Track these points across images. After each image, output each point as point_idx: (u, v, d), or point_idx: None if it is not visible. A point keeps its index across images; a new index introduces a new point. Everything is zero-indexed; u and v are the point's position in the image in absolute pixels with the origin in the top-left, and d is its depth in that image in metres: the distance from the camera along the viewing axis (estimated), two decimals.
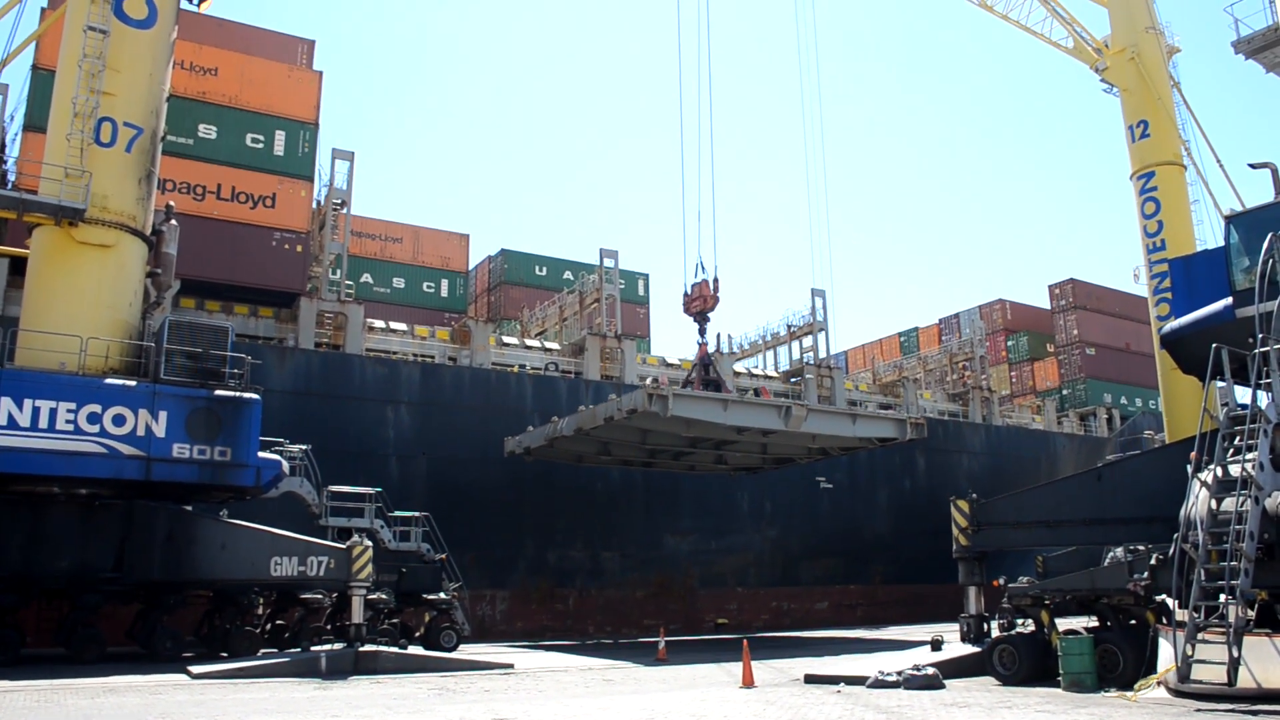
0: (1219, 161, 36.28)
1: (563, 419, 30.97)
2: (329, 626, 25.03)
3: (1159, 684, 14.62)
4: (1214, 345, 15.37)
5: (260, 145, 34.36)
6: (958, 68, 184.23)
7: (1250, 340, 15.58)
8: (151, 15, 24.29)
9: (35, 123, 28.89)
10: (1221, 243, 18.78)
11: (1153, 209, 33.92)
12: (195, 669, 19.19)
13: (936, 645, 21.33)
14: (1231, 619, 13.15)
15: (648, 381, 40.33)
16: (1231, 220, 18.54)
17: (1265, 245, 16.40)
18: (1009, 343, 63.46)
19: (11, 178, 29.35)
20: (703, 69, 45.81)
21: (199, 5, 26.96)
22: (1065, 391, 59.48)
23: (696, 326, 32.13)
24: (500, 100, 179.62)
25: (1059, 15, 37.43)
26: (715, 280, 31.70)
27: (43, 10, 31.23)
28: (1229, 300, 17.72)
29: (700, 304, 31.80)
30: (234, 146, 33.84)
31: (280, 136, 34.74)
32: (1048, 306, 62.10)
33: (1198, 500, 14.87)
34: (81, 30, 22.73)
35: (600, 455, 34.57)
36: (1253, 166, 19.34)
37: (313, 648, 23.15)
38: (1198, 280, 19.74)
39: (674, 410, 27.32)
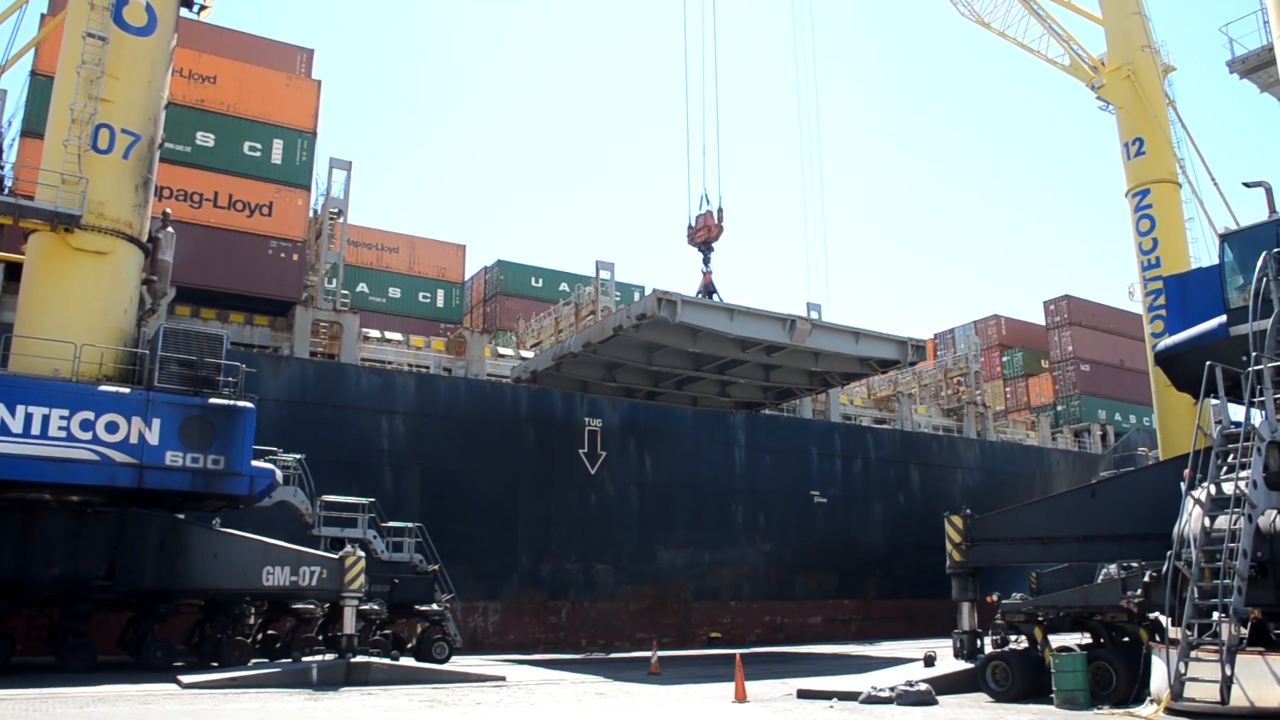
0: (1214, 179, 36.37)
1: (570, 338, 31.41)
2: (320, 637, 24.94)
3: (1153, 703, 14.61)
4: (1208, 363, 15.39)
5: (258, 153, 34.35)
6: (955, 84, 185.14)
7: (1244, 358, 15.60)
8: (151, 23, 24.33)
9: (33, 128, 28.88)
10: (1216, 260, 18.83)
11: (1148, 226, 34.04)
12: (186, 679, 19.10)
13: (930, 661, 21.30)
14: (1225, 637, 13.14)
15: None
16: (1226, 238, 18.59)
17: (1259, 263, 16.44)
18: (1004, 358, 63.59)
19: (8, 183, 29.32)
20: (707, 77, 46.19)
21: (199, 13, 27.01)
22: (1060, 407, 59.59)
23: (701, 256, 32.87)
24: (498, 112, 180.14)
25: (1055, 33, 37.64)
26: (719, 211, 32.41)
27: (42, 16, 31.28)
28: (1223, 318, 17.75)
29: (705, 234, 32.55)
30: (232, 154, 33.82)
31: (278, 145, 34.73)
32: (1042, 322, 62.27)
33: (1191, 518, 14.86)
34: (81, 37, 22.73)
35: (605, 382, 35.01)
36: (1247, 185, 19.41)
37: (304, 658, 23.03)
38: (1192, 298, 19.78)
39: (682, 316, 27.74)
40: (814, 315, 47.20)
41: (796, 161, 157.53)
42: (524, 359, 40.25)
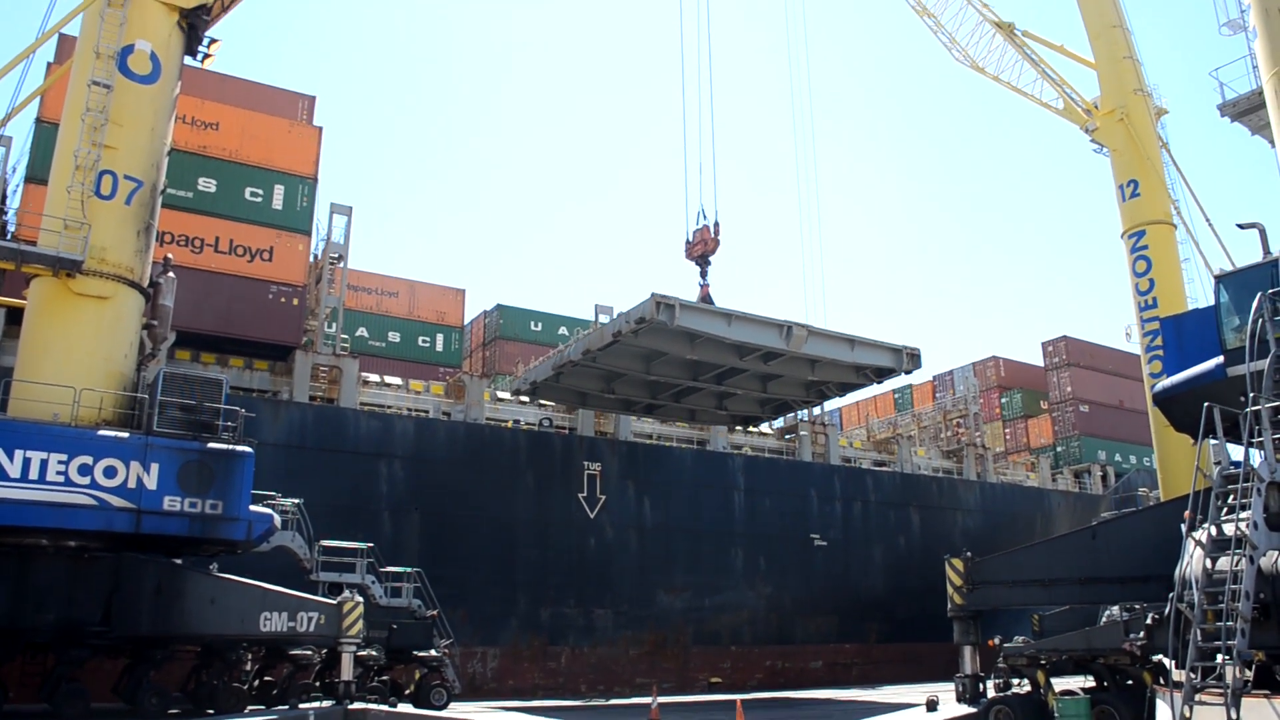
0: (1208, 221, 36.64)
1: (569, 346, 31.78)
2: (318, 683, 24.69)
3: None
4: (1206, 404, 15.42)
5: (259, 199, 34.58)
6: (951, 124, 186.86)
7: (1242, 399, 15.64)
8: (155, 71, 24.61)
9: (37, 174, 29.12)
10: (1212, 301, 18.95)
11: (1144, 267, 34.26)
12: None
13: (932, 706, 21.15)
14: (1229, 680, 13.04)
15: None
16: (1221, 280, 18.73)
17: (1255, 304, 16.54)
18: (1003, 400, 63.60)
19: (11, 228, 29.52)
20: (704, 95, 47.00)
21: (203, 61, 27.32)
22: (1059, 448, 59.50)
23: (698, 270, 33.44)
24: (498, 158, 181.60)
25: (1049, 77, 38.15)
26: (716, 225, 33.12)
27: (49, 65, 31.63)
28: (1220, 359, 17.83)
29: (701, 247, 33.28)
30: (233, 200, 34.04)
31: (279, 191, 34.97)
32: (1041, 364, 62.37)
33: (1192, 559, 14.81)
34: (86, 85, 22.99)
35: (604, 393, 35.20)
36: (1241, 227, 19.60)
37: (301, 705, 22.82)
38: (1189, 339, 19.88)
39: (680, 320, 28.15)
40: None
41: (793, 205, 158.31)
42: (523, 403, 40.29)
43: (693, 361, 32.33)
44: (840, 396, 39.27)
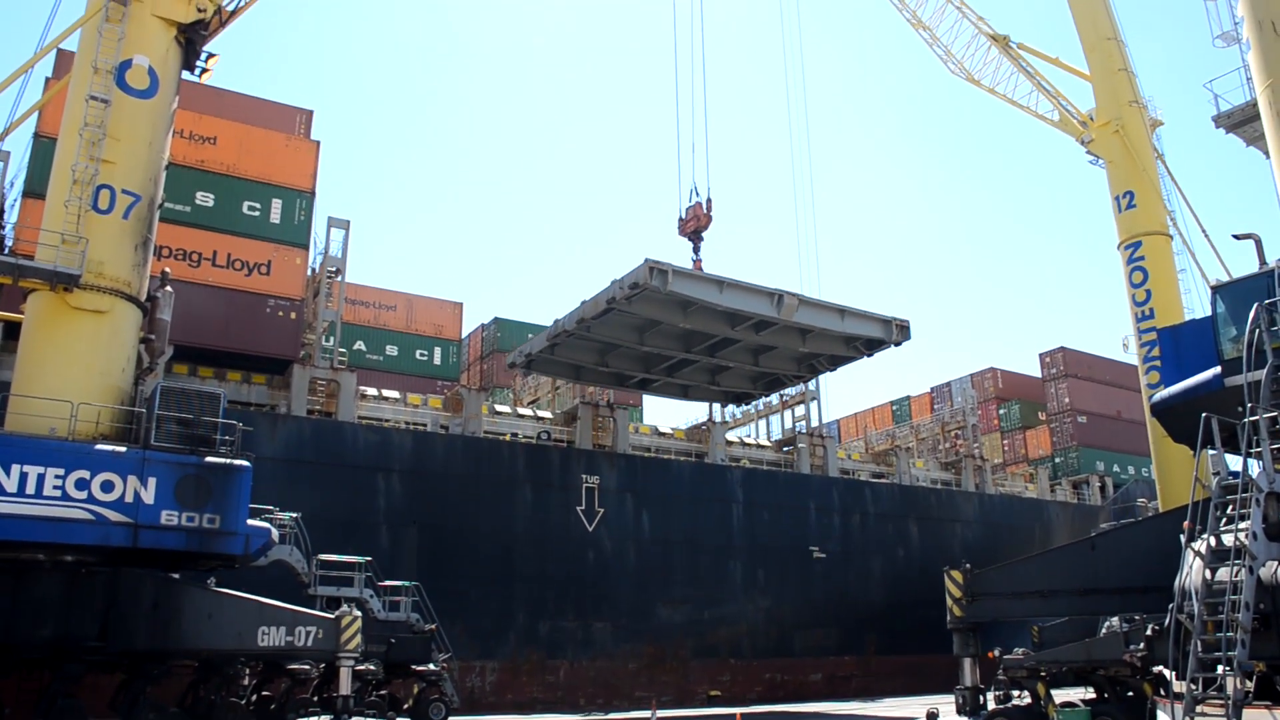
0: (1204, 232, 36.67)
1: (564, 317, 32.74)
2: (316, 698, 24.60)
3: None
4: (1204, 414, 15.41)
5: (257, 213, 34.61)
6: (948, 138, 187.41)
7: (1239, 409, 15.63)
8: (153, 86, 24.65)
9: (35, 189, 29.16)
10: (1209, 312, 18.96)
11: (1141, 278, 34.30)
12: None
13: (932, 718, 21.09)
14: (1230, 691, 13.00)
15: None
16: (1218, 290, 18.73)
17: (1251, 315, 16.54)
18: (1001, 411, 63.66)
19: (9, 243, 29.52)
20: (697, 78, 47.15)
21: (200, 75, 27.37)
22: (1058, 459, 59.53)
23: (691, 246, 33.96)
24: (495, 170, 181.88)
25: (1044, 90, 38.27)
26: (709, 201, 33.72)
27: (47, 80, 31.70)
28: (1217, 369, 17.82)
29: (695, 223, 33.79)
30: (231, 214, 34.09)
31: (277, 205, 35.02)
32: (1039, 375, 62.47)
33: (1192, 570, 14.78)
34: (84, 100, 23.02)
35: (599, 367, 35.75)
36: (1237, 237, 19.65)
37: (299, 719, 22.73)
38: (1186, 349, 19.87)
39: (673, 285, 28.85)
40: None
41: (790, 215, 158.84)
42: (521, 416, 40.26)
43: (686, 332, 32.70)
44: (831, 370, 39.57)
